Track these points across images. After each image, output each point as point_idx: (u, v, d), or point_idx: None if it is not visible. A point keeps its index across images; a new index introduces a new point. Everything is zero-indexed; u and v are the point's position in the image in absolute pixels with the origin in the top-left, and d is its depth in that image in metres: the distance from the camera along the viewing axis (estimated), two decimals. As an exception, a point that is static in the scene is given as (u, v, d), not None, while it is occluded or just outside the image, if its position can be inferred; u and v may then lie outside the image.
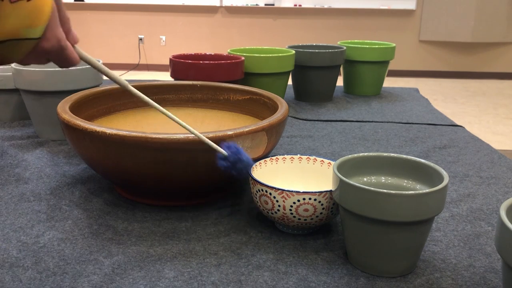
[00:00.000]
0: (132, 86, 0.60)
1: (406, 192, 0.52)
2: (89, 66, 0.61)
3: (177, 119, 0.61)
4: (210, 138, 0.63)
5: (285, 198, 0.60)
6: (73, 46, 0.54)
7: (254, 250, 0.61)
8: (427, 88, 4.99)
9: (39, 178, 0.81)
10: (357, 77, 1.47)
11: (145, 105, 0.62)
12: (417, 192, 0.52)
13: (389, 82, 5.10)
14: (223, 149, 0.62)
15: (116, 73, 0.59)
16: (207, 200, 0.74)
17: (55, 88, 0.95)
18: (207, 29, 5.49)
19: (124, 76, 5.05)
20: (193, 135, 0.61)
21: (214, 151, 0.61)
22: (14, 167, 0.86)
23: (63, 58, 0.52)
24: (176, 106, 0.95)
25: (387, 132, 1.12)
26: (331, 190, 0.60)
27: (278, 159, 0.73)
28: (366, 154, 0.63)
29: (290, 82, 1.38)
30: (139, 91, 0.60)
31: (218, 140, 0.63)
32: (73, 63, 0.54)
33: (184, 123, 0.61)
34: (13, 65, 0.99)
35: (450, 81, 5.44)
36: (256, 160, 0.70)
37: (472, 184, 0.84)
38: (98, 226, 0.66)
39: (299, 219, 0.62)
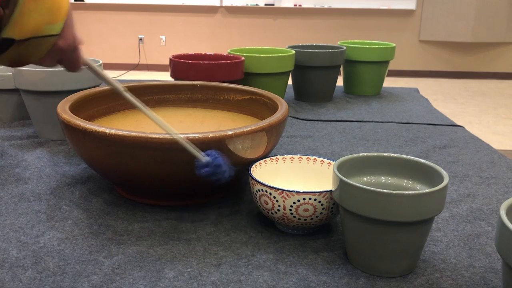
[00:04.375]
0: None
1: (406, 192, 0.52)
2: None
3: (162, 123, 0.60)
4: (210, 138, 0.63)
5: (285, 198, 0.60)
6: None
7: (254, 250, 0.61)
8: (427, 88, 4.99)
9: (39, 178, 0.81)
10: (357, 77, 1.47)
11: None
12: (417, 192, 0.52)
13: (389, 82, 5.10)
14: (203, 155, 0.61)
15: (110, 76, 0.59)
16: (207, 200, 0.74)
17: (55, 88, 0.95)
18: (207, 29, 5.49)
19: (124, 76, 5.05)
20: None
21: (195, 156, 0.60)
22: (14, 167, 0.86)
23: (73, 59, 0.52)
24: (176, 106, 0.95)
25: (387, 132, 1.12)
26: (331, 190, 0.60)
27: (278, 159, 0.73)
28: (366, 154, 0.63)
29: (290, 82, 1.38)
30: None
31: (219, 140, 0.63)
32: (80, 65, 0.54)
33: (166, 126, 0.60)
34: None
35: (450, 81, 5.44)
36: (256, 160, 0.70)
37: (472, 184, 0.84)
38: (98, 226, 0.66)
39: (299, 219, 0.62)
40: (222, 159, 0.61)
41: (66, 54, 0.50)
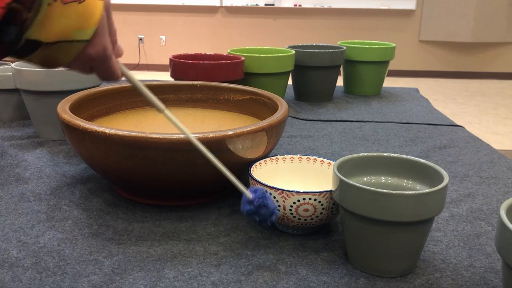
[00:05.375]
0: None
1: (406, 192, 0.52)
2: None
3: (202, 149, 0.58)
4: (210, 138, 0.63)
5: (285, 198, 0.60)
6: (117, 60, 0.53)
7: (254, 250, 0.61)
8: (427, 88, 4.99)
9: (39, 178, 0.81)
10: (357, 77, 1.47)
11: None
12: (417, 192, 0.52)
13: (389, 82, 5.10)
14: (249, 192, 0.58)
15: (154, 97, 0.57)
16: (207, 200, 0.74)
17: (55, 88, 0.95)
18: (207, 29, 5.49)
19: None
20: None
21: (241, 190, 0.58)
22: (14, 167, 0.86)
23: (105, 68, 0.52)
24: (176, 106, 0.95)
25: (387, 132, 1.12)
26: (331, 190, 0.60)
27: (278, 159, 0.73)
28: (366, 154, 0.63)
29: (290, 82, 1.38)
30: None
31: (219, 140, 0.63)
32: (114, 76, 0.53)
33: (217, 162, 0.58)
34: (13, 65, 0.99)
35: (450, 81, 5.44)
36: (256, 160, 0.70)
37: (472, 184, 0.84)
38: (98, 226, 0.66)
39: (299, 219, 0.62)
40: (267, 199, 0.57)
41: (96, 62, 0.50)
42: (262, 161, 0.71)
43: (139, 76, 5.18)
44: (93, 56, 0.49)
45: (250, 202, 0.57)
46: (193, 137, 0.58)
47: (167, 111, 0.57)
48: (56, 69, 0.93)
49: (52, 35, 0.45)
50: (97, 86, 1.01)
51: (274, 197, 0.61)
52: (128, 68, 0.55)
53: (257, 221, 0.58)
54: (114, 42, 0.53)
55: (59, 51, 0.47)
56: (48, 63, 0.49)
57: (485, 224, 0.70)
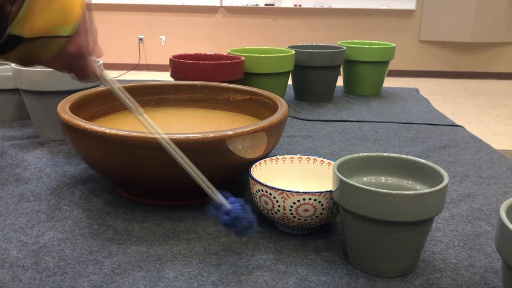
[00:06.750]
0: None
1: (406, 192, 0.52)
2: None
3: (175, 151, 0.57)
4: (210, 138, 0.63)
5: (285, 198, 0.60)
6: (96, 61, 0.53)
7: (254, 250, 0.61)
8: (427, 88, 4.99)
9: (39, 178, 0.81)
10: (357, 77, 1.47)
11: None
12: (417, 192, 0.52)
13: (389, 82, 5.10)
14: (228, 203, 0.56)
15: (130, 101, 0.56)
16: (207, 200, 0.74)
17: (55, 88, 0.95)
18: (207, 29, 5.49)
19: (124, 76, 5.05)
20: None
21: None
22: (14, 167, 0.86)
23: (83, 67, 0.52)
24: (176, 106, 0.95)
25: (387, 132, 1.12)
26: (331, 190, 0.60)
27: (278, 159, 0.73)
28: (366, 154, 0.63)
29: (290, 82, 1.38)
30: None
31: (219, 140, 0.63)
32: (90, 74, 0.53)
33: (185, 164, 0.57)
34: (13, 65, 0.99)
35: (450, 81, 5.44)
36: (256, 160, 0.70)
37: (472, 184, 0.84)
38: (98, 226, 0.66)
39: (299, 219, 0.62)
40: (243, 212, 0.55)
41: (74, 60, 0.50)
42: (262, 161, 0.71)
43: (139, 76, 5.18)
44: (73, 53, 0.49)
45: (228, 213, 0.55)
46: (170, 143, 0.57)
47: (141, 115, 0.57)
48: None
49: (34, 30, 0.44)
50: (97, 86, 1.01)
51: (274, 197, 0.61)
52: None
53: (234, 233, 0.56)
54: (94, 41, 0.52)
55: (40, 48, 0.46)
56: (27, 60, 0.48)
57: (485, 224, 0.70)
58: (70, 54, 0.49)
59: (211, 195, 0.56)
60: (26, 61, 0.48)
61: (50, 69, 0.94)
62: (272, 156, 0.72)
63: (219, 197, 0.56)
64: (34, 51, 0.46)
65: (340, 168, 0.60)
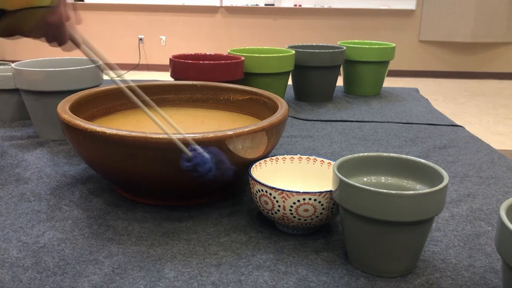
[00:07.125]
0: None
1: (406, 192, 0.52)
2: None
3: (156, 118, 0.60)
4: (210, 138, 0.63)
5: (285, 198, 0.60)
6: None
7: (254, 250, 0.61)
8: (427, 88, 4.99)
9: (39, 178, 0.81)
10: (357, 77, 1.47)
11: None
12: (417, 192, 0.52)
13: (389, 82, 5.10)
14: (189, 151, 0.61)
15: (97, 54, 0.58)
16: (207, 200, 0.74)
17: (55, 88, 0.95)
18: (207, 29, 5.49)
19: (124, 76, 5.05)
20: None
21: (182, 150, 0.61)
22: (14, 167, 0.86)
23: (61, 33, 0.52)
24: (176, 106, 0.95)
25: (387, 132, 1.12)
26: (331, 190, 0.60)
27: (278, 159, 0.73)
28: (366, 154, 0.63)
29: (290, 82, 1.38)
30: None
31: (219, 140, 0.63)
32: (66, 40, 0.54)
33: (160, 123, 0.60)
34: (13, 65, 0.99)
35: (450, 81, 5.44)
36: (256, 160, 0.70)
37: (472, 184, 0.84)
38: (98, 226, 0.66)
39: (299, 219, 0.62)
40: (209, 157, 0.60)
41: (51, 29, 0.51)
42: (262, 161, 0.71)
43: (139, 76, 5.18)
44: (53, 22, 0.50)
45: (189, 160, 0.60)
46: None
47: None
48: (56, 69, 0.93)
49: (15, 3, 0.45)
50: (97, 86, 1.01)
51: (274, 197, 0.61)
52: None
53: (196, 177, 0.61)
54: (69, 7, 0.53)
55: (22, 19, 0.47)
56: (8, 32, 0.49)
57: (485, 224, 0.70)
58: (50, 23, 0.49)
59: (179, 145, 0.61)
60: (8, 33, 0.49)
61: (50, 69, 0.94)
62: (272, 156, 0.72)
63: (181, 146, 0.61)
64: (16, 23, 0.47)
65: (340, 168, 0.60)
